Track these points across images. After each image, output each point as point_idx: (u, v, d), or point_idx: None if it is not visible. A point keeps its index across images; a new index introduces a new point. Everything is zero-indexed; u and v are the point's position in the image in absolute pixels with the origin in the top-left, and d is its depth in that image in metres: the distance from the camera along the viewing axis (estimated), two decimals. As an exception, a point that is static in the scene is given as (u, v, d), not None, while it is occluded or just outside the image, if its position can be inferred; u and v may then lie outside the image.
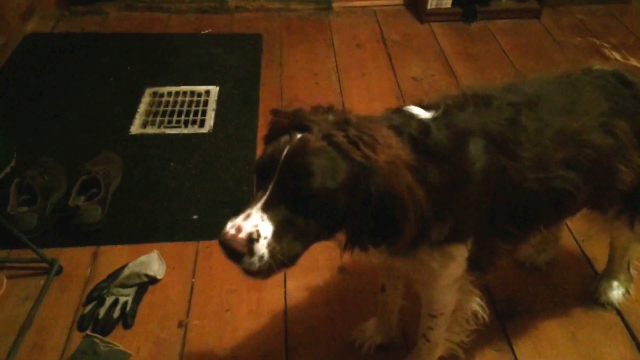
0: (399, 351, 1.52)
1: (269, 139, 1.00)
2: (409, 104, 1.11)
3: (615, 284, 1.62)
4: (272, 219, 0.90)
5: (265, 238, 0.89)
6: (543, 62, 2.85)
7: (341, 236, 1.02)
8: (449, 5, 3.20)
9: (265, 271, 0.92)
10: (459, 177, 1.05)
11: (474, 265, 1.20)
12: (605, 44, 3.00)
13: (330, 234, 1.00)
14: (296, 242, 0.93)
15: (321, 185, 0.89)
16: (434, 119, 1.07)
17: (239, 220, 0.90)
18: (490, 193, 1.10)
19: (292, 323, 1.61)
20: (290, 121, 0.98)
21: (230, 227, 0.90)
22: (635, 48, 2.99)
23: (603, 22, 3.22)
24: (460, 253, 1.14)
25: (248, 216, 0.90)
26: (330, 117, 0.98)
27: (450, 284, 1.22)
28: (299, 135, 0.94)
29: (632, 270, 1.62)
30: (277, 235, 0.90)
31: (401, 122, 1.05)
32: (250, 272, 0.92)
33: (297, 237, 0.93)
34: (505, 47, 2.99)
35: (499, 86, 1.20)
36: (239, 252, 0.89)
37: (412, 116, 1.07)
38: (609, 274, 1.63)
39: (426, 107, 1.10)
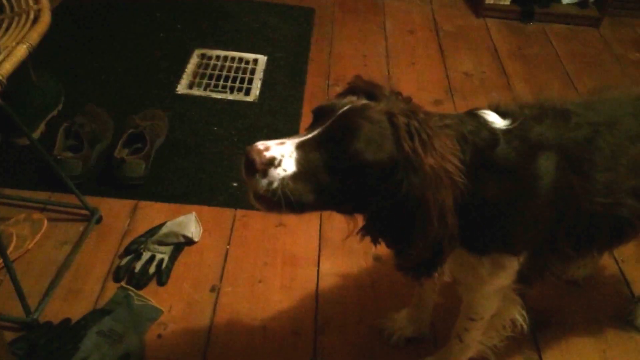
0: (427, 345, 1.52)
1: (340, 94, 1.01)
2: (484, 108, 1.08)
3: (652, 309, 1.60)
4: (301, 158, 0.89)
5: (284, 170, 0.88)
6: (598, 73, 2.78)
7: (360, 218, 1.01)
8: (507, 3, 3.12)
9: (270, 200, 0.90)
10: (521, 191, 1.04)
11: (523, 277, 1.19)
12: (664, 63, 2.92)
13: (347, 209, 0.99)
14: (311, 193, 0.91)
15: (359, 151, 0.88)
16: (507, 131, 1.04)
17: (272, 142, 0.90)
18: (553, 211, 1.08)
19: (323, 303, 1.61)
20: (365, 87, 0.99)
21: (261, 143, 0.89)
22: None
23: (664, 40, 3.13)
24: (512, 265, 1.13)
25: (282, 143, 0.90)
26: (402, 104, 0.97)
27: (495, 291, 1.21)
28: (364, 101, 0.94)
29: (671, 298, 1.60)
30: (296, 175, 0.89)
31: (471, 129, 1.02)
32: (257, 195, 0.92)
33: (314, 190, 0.91)
34: (561, 52, 2.92)
35: (577, 101, 1.17)
36: (255, 166, 0.88)
37: (485, 124, 1.05)
38: (648, 298, 1.61)
39: (503, 114, 1.07)
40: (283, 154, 0.89)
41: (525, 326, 1.30)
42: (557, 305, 1.66)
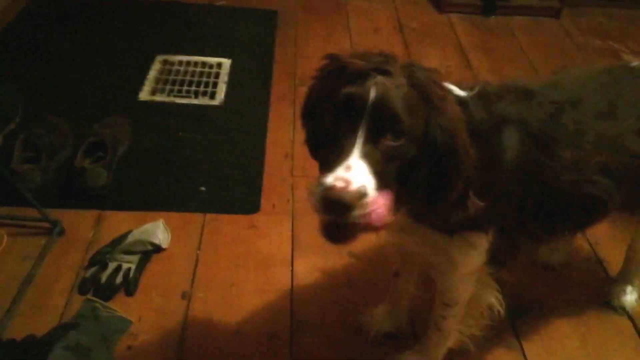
0: (406, 340, 1.49)
1: (348, 80, 0.90)
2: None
3: (629, 288, 1.59)
4: (370, 166, 0.84)
5: (373, 189, 0.84)
6: (561, 62, 2.81)
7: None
8: (469, -3, 3.15)
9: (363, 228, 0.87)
10: (490, 160, 1.02)
11: (494, 258, 1.17)
12: (624, 49, 2.97)
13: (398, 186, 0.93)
14: (394, 189, 0.90)
15: (409, 130, 0.87)
16: (470, 97, 1.03)
17: (340, 172, 0.83)
18: (519, 186, 1.07)
19: (298, 304, 1.57)
20: (368, 65, 0.91)
21: (335, 180, 0.82)
22: (654, 55, 2.96)
23: (623, 27, 3.19)
24: (481, 243, 1.12)
25: (348, 167, 0.83)
26: (399, 62, 0.93)
27: (468, 274, 1.19)
28: (383, 79, 0.88)
29: (646, 276, 1.60)
30: (378, 182, 0.85)
31: None
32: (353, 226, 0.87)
33: (392, 183, 0.89)
34: (524, 44, 2.94)
35: (540, 82, 1.16)
36: (349, 205, 0.81)
37: (450, 90, 1.02)
38: (623, 278, 1.61)
39: (462, 89, 1.06)
40: (357, 174, 0.83)
41: (502, 311, 1.28)
42: (535, 292, 1.65)
